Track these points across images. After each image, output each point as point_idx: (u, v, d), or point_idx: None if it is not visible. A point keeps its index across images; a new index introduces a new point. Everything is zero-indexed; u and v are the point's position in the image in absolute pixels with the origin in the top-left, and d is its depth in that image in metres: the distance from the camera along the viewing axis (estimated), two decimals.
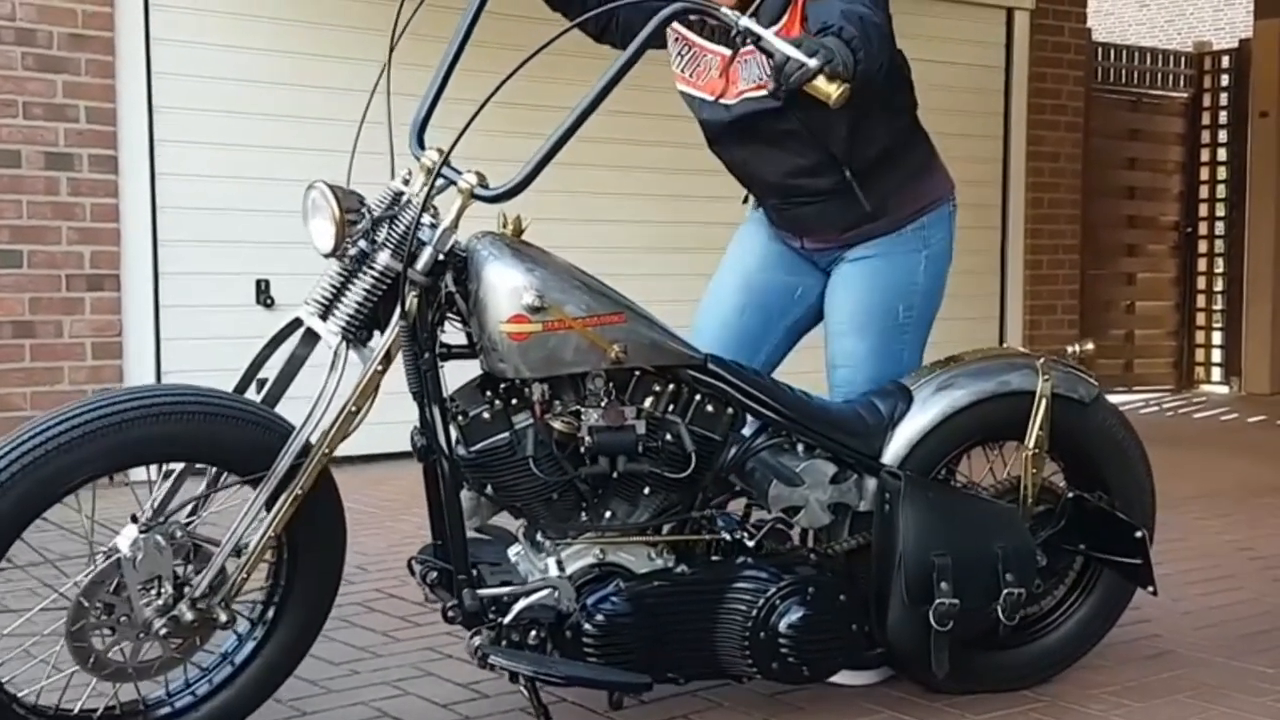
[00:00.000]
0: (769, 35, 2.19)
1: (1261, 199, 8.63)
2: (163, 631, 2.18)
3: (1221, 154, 8.87)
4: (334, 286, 2.31)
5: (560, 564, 2.37)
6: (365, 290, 2.28)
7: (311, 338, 2.35)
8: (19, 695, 2.18)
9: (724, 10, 2.24)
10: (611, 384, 2.36)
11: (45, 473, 2.05)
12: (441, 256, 2.28)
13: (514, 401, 2.34)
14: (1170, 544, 4.14)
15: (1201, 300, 9.00)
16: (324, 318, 2.30)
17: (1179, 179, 8.92)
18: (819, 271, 2.85)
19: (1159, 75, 8.85)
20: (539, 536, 2.42)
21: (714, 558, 2.50)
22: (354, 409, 2.26)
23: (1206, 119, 8.93)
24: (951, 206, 2.83)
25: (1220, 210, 8.91)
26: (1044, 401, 2.61)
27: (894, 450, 2.57)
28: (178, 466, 2.27)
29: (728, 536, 2.49)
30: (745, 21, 2.20)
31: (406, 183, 2.31)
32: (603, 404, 2.34)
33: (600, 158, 5.88)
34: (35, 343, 5.01)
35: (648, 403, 2.39)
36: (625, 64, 2.21)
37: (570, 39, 2.19)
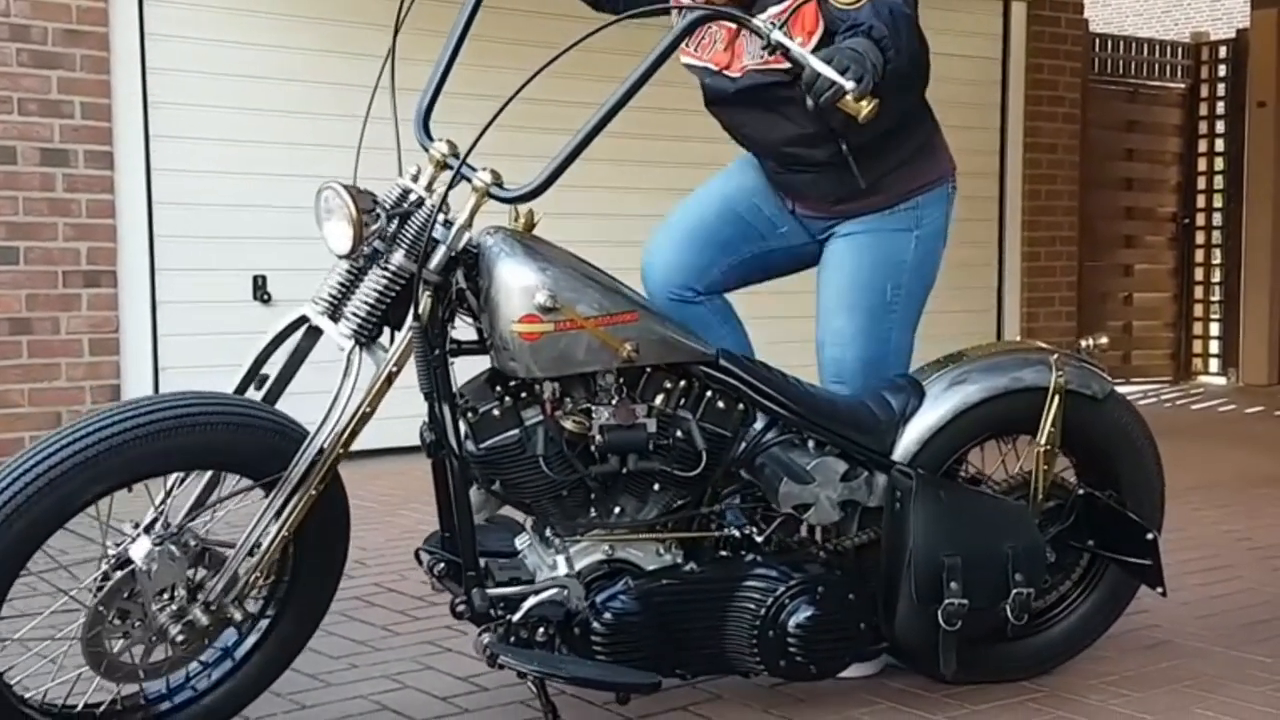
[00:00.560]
0: (799, 50, 2.18)
1: (1259, 189, 8.62)
2: (180, 638, 2.18)
3: (1219, 145, 8.87)
4: (342, 285, 2.29)
5: (569, 561, 2.37)
6: (379, 291, 2.25)
7: (314, 334, 2.34)
8: (26, 696, 2.18)
9: (755, 21, 2.22)
10: (622, 380, 2.35)
11: (69, 487, 2.04)
12: (454, 254, 2.26)
13: (524, 397, 2.33)
14: (1169, 534, 4.11)
15: (1199, 291, 9.00)
16: (333, 317, 2.29)
17: (1176, 170, 8.92)
18: (805, 233, 2.83)
19: (1156, 66, 8.85)
20: (547, 533, 2.41)
21: (722, 553, 2.49)
22: (368, 410, 2.25)
23: (1204, 109, 8.93)
24: (951, 188, 2.82)
25: (1218, 201, 8.91)
26: (1057, 398, 2.59)
27: (905, 446, 2.55)
28: (192, 475, 2.26)
29: (737, 532, 2.49)
30: (778, 35, 2.18)
31: (415, 178, 2.29)
32: (614, 402, 2.32)
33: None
34: (32, 339, 4.99)
35: (659, 400, 2.38)
36: (651, 66, 2.18)
37: (594, 36, 2.18)
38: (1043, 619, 2.79)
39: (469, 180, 2.25)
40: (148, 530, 2.19)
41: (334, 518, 2.33)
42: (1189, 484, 5.06)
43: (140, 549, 2.15)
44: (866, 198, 2.70)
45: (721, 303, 2.88)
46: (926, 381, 2.62)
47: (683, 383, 2.41)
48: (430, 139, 2.35)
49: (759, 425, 2.49)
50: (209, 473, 2.28)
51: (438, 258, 2.24)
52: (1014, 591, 2.49)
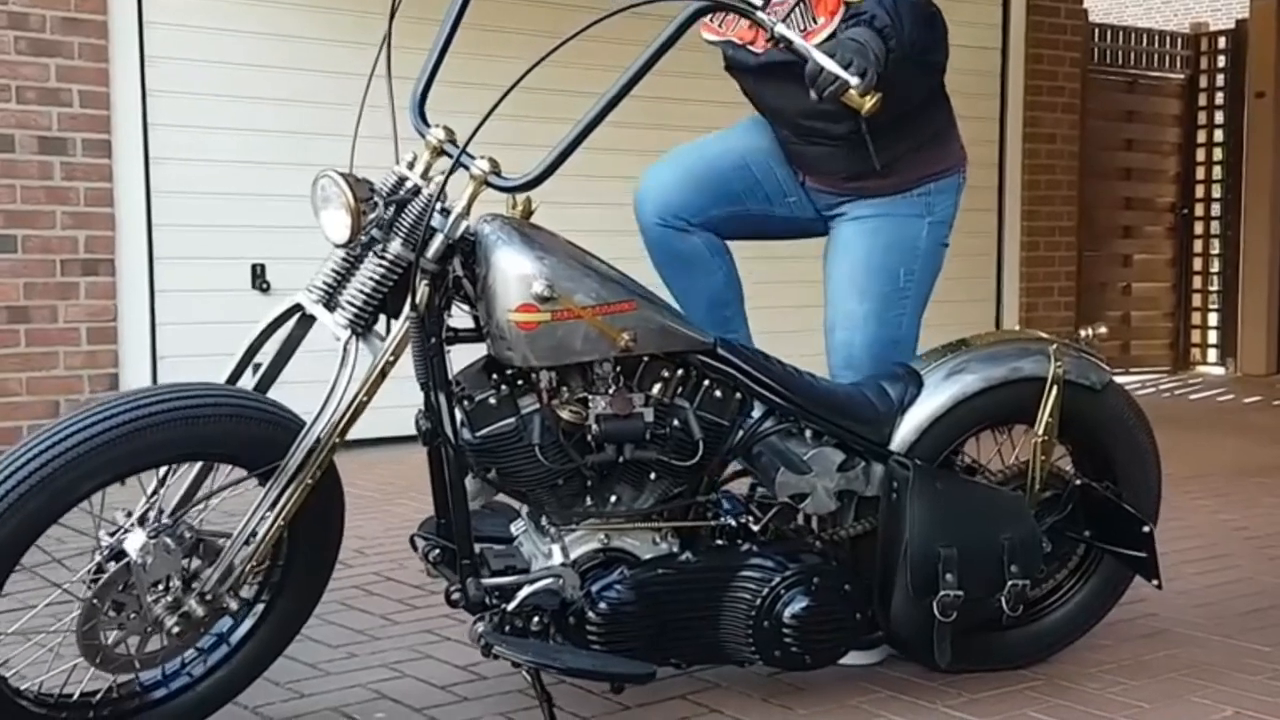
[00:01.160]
0: (803, 43, 2.17)
1: (1258, 180, 8.62)
2: (175, 629, 2.18)
3: (1218, 135, 8.86)
4: (338, 274, 2.28)
5: (564, 550, 2.36)
6: (375, 280, 2.24)
7: (308, 322, 2.33)
8: (21, 688, 2.18)
9: (759, 14, 2.21)
10: (620, 369, 2.35)
11: (63, 483, 2.03)
12: (451, 242, 2.25)
13: (520, 385, 2.32)
14: (1166, 524, 4.12)
15: (1198, 281, 9.00)
16: (328, 306, 2.28)
17: (1175, 160, 8.92)
18: (812, 207, 2.83)
19: (1155, 56, 8.83)
20: (543, 521, 2.41)
21: (719, 542, 2.49)
22: (364, 399, 2.24)
23: (1203, 100, 8.92)
24: (961, 179, 2.81)
25: (1216, 191, 8.91)
26: (1055, 388, 2.59)
27: (902, 436, 2.55)
28: (185, 466, 2.26)
29: (733, 522, 2.48)
30: (781, 28, 2.17)
31: (410, 166, 2.28)
32: (611, 391, 2.32)
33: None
34: (30, 328, 4.99)
35: (656, 389, 2.37)
36: (652, 57, 2.18)
37: (597, 25, 2.17)
38: (1038, 608, 2.79)
39: (467, 169, 2.24)
40: (141, 522, 2.18)
41: (329, 505, 2.33)
42: (1187, 473, 5.07)
43: (135, 541, 2.15)
44: (879, 179, 2.69)
45: (714, 236, 2.85)
46: (925, 371, 2.62)
47: (680, 372, 2.41)
48: (427, 126, 2.34)
49: (756, 414, 2.49)
50: (201, 463, 2.28)
51: (435, 246, 2.23)
52: (1009, 582, 2.50)
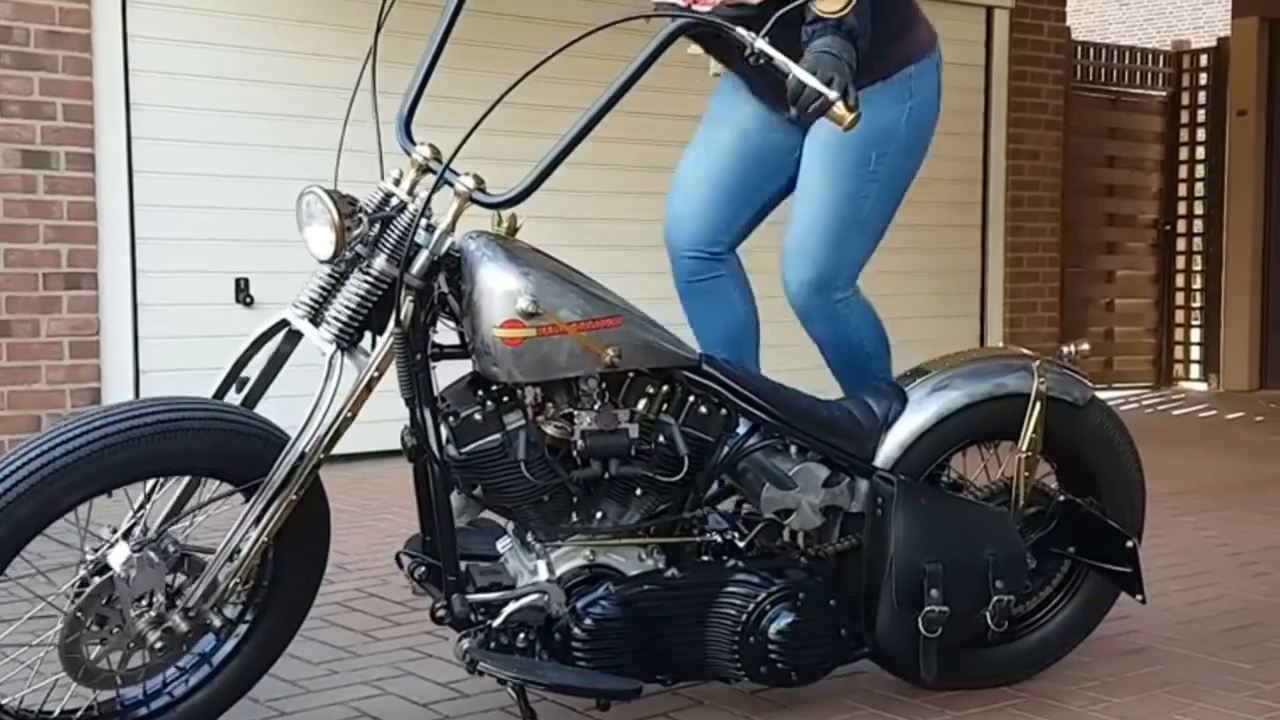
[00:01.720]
0: (783, 60, 2.17)
1: (1240, 196, 8.67)
2: (158, 645, 2.17)
3: (1200, 152, 8.92)
4: (324, 290, 2.28)
5: (550, 566, 2.36)
6: (360, 296, 2.24)
7: (294, 337, 2.33)
8: (2, 703, 2.17)
9: (739, 30, 2.18)
10: (605, 385, 2.35)
11: (47, 494, 2.02)
12: (436, 259, 2.25)
13: (506, 401, 2.32)
14: (1149, 540, 4.12)
15: (1180, 298, 9.04)
16: (314, 321, 2.28)
17: (1158, 177, 8.97)
18: (803, 133, 2.81)
19: (1138, 74, 8.89)
20: (528, 538, 2.41)
21: (704, 558, 2.49)
22: (349, 415, 2.24)
23: (1185, 117, 8.97)
24: (938, 56, 2.82)
25: (1199, 208, 8.96)
26: (1038, 405, 2.60)
27: (887, 452, 2.56)
28: (168, 481, 2.25)
29: (719, 538, 2.48)
30: (760, 44, 2.16)
31: (397, 183, 2.28)
32: (596, 407, 2.32)
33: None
34: (12, 342, 4.97)
35: (641, 404, 2.37)
36: (634, 74, 2.18)
37: (582, 41, 2.18)
38: (1024, 624, 2.79)
39: (452, 185, 2.24)
40: (126, 536, 2.18)
41: (314, 522, 2.32)
42: (1170, 490, 5.08)
43: (119, 555, 2.14)
44: (860, 75, 2.68)
45: (737, 264, 2.89)
46: (909, 387, 2.63)
47: (665, 387, 2.41)
48: (412, 143, 2.34)
49: (741, 430, 2.49)
50: (187, 478, 2.27)
51: (420, 262, 2.23)
52: (994, 598, 2.50)
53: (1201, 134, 8.90)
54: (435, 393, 2.29)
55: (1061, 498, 2.73)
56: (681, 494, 2.44)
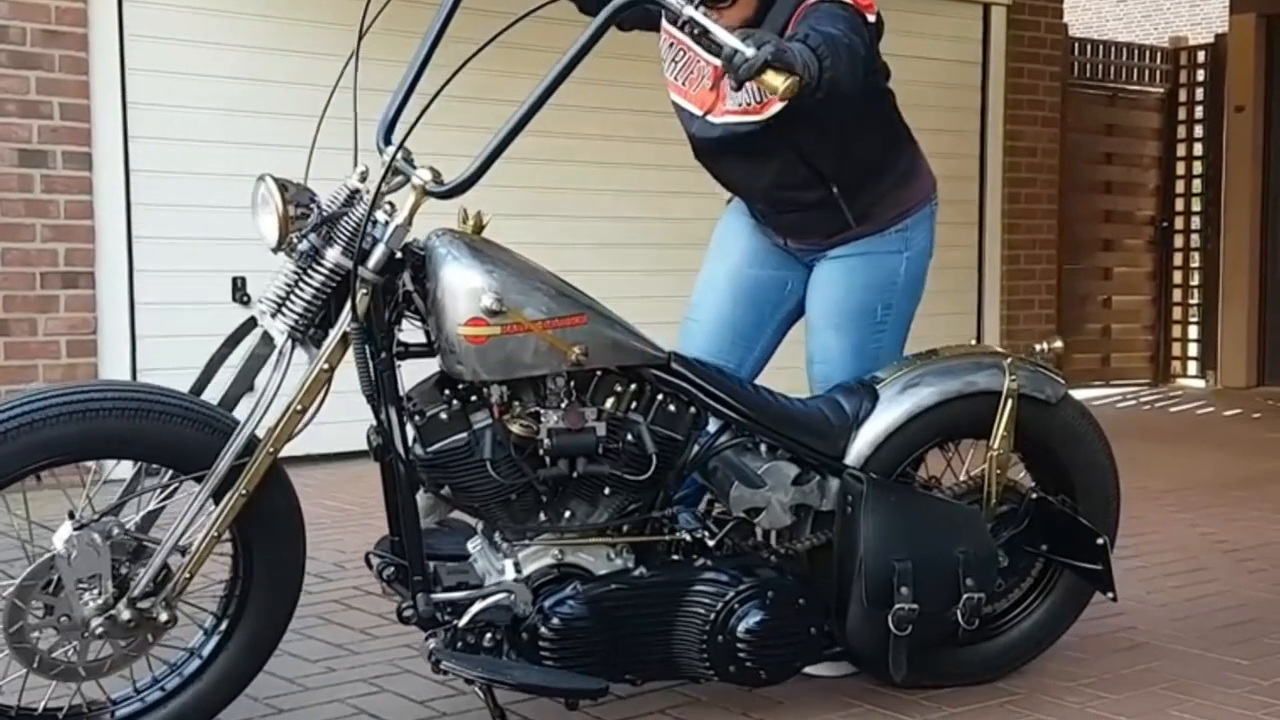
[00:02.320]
0: (714, 27, 2.17)
1: (1237, 193, 8.66)
2: (99, 631, 2.16)
3: (1197, 149, 8.90)
4: (287, 284, 2.30)
5: (518, 565, 2.36)
6: (314, 288, 2.26)
7: (271, 336, 2.34)
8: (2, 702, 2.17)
9: (671, 1, 2.18)
10: (572, 384, 2.35)
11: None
12: (396, 254, 2.25)
13: (472, 400, 2.32)
14: (1145, 537, 4.16)
15: (1178, 294, 9.03)
16: (275, 315, 2.29)
17: (1155, 174, 8.96)
18: (803, 266, 2.87)
19: (1135, 70, 8.88)
20: (496, 537, 2.41)
21: (674, 557, 2.49)
22: (300, 408, 2.24)
23: (1183, 114, 8.96)
24: (933, 205, 2.85)
25: (1196, 205, 8.95)
26: (1010, 402, 2.60)
27: (857, 450, 2.56)
28: (110, 464, 2.25)
29: (688, 536, 2.49)
30: (690, 10, 2.16)
31: (364, 179, 2.29)
32: (563, 405, 2.32)
33: (576, 154, 5.87)
34: (9, 340, 4.98)
35: (609, 403, 2.38)
36: (576, 54, 2.17)
37: (528, 30, 2.18)
38: (999, 623, 2.80)
39: (406, 176, 2.24)
40: (71, 516, 2.18)
41: (283, 520, 2.32)
42: (1167, 486, 5.09)
43: (61, 535, 2.14)
44: (858, 227, 2.74)
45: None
46: (880, 385, 2.64)
47: (634, 386, 2.41)
48: (388, 143, 2.33)
49: (711, 429, 2.50)
50: (139, 465, 2.26)
51: (377, 256, 2.24)
52: (965, 596, 2.50)
53: (1199, 130, 8.89)
54: (401, 391, 2.29)
55: (1034, 496, 2.74)
56: (651, 493, 2.45)
